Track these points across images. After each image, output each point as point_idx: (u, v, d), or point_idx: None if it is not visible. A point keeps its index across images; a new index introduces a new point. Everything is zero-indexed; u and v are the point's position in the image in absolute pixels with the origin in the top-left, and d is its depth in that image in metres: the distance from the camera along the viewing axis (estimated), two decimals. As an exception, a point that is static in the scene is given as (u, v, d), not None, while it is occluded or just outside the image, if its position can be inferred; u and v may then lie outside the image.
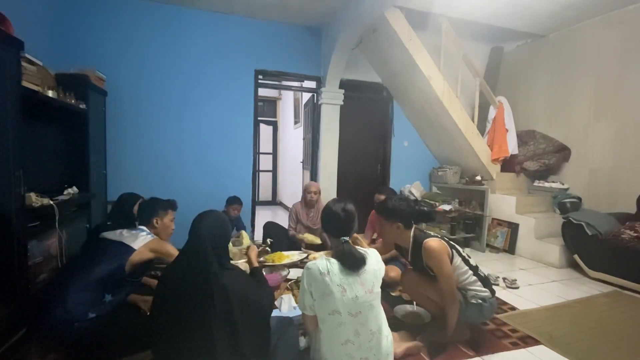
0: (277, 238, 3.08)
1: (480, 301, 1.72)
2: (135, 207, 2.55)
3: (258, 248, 2.86)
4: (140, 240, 1.68)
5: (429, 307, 1.94)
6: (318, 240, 3.03)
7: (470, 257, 1.82)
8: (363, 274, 1.33)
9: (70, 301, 1.42)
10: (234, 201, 3.37)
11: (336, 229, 1.45)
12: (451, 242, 1.80)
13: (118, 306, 1.64)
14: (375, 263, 1.39)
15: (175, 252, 1.64)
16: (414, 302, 2.21)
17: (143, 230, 1.79)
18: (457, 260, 1.74)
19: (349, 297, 1.28)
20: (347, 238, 1.40)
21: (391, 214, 1.80)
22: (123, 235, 1.70)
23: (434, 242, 1.70)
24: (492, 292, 1.78)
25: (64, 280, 1.51)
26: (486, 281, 1.79)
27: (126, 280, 1.63)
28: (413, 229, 1.81)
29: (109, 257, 1.58)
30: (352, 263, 1.32)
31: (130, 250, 1.62)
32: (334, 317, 1.29)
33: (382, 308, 1.42)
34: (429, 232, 1.85)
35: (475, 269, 1.78)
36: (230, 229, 1.38)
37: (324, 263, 1.31)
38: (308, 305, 1.33)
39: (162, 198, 2.02)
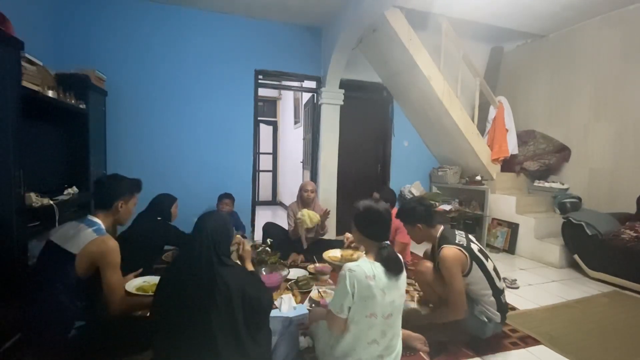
0: (277, 239, 3.08)
1: (485, 319, 1.71)
2: (173, 207, 2.59)
3: (258, 248, 2.85)
4: (81, 242, 1.38)
5: (430, 297, 1.98)
6: (317, 217, 2.98)
7: (500, 279, 1.77)
8: (399, 278, 1.34)
9: (52, 322, 1.35)
10: (223, 197, 3.40)
11: (380, 232, 1.41)
12: (476, 254, 1.71)
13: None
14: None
15: (118, 261, 1.44)
16: (414, 300, 2.24)
17: (92, 225, 1.47)
18: (477, 273, 1.69)
19: (387, 301, 1.29)
20: (388, 242, 1.39)
21: (409, 217, 1.86)
22: (68, 235, 1.42)
23: (449, 252, 1.67)
24: (503, 319, 1.75)
25: (36, 302, 1.39)
26: (503, 309, 1.75)
27: (87, 284, 1.43)
28: (442, 228, 1.82)
29: (54, 272, 1.36)
30: (397, 268, 1.33)
31: (71, 257, 1.35)
32: (369, 319, 1.28)
33: None
34: (459, 235, 1.79)
35: (499, 292, 1.73)
36: (232, 229, 1.38)
37: (369, 266, 1.29)
38: (347, 306, 1.27)
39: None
